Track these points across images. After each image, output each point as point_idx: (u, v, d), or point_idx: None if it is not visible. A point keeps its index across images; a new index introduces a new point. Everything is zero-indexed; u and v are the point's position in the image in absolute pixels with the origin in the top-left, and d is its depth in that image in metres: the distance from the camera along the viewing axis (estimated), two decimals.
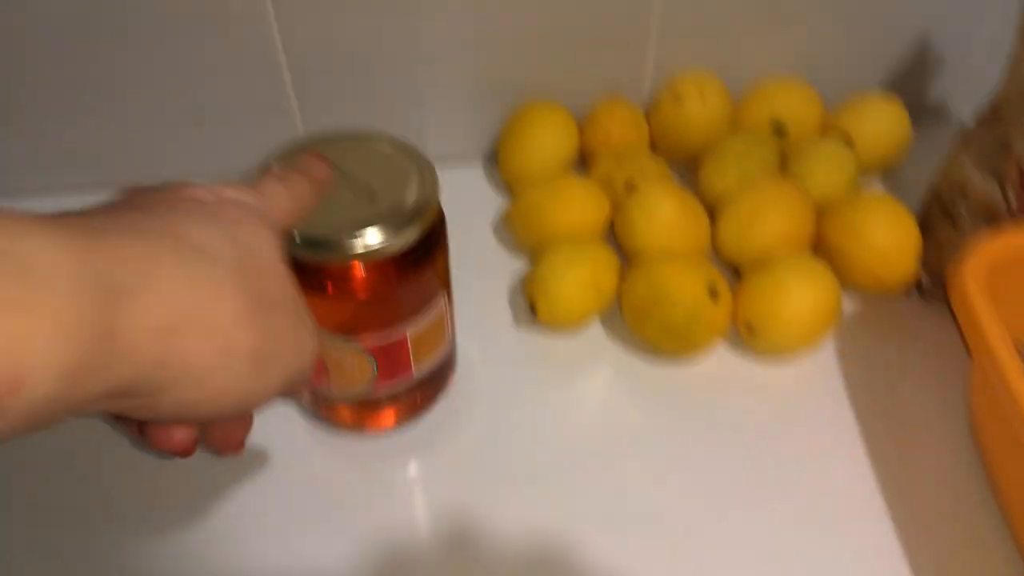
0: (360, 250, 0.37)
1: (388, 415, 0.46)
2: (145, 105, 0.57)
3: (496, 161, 0.60)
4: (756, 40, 0.58)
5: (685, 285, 0.47)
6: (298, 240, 0.36)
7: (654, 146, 0.60)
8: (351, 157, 0.40)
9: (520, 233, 0.55)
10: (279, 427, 0.47)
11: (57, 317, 0.18)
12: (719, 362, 0.50)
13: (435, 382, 0.47)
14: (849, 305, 0.53)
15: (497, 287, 0.55)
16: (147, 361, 0.21)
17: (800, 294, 0.47)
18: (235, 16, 0.53)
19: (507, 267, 0.56)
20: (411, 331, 0.42)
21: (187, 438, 0.27)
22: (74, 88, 0.55)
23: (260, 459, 0.46)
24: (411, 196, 0.38)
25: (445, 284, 0.43)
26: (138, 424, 0.28)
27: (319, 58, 0.56)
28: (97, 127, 0.58)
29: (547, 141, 0.57)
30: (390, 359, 0.42)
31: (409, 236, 0.38)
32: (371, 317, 0.41)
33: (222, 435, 0.30)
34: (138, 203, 0.25)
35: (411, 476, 0.46)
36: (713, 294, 0.47)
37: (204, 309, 0.23)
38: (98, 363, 0.20)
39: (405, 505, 0.45)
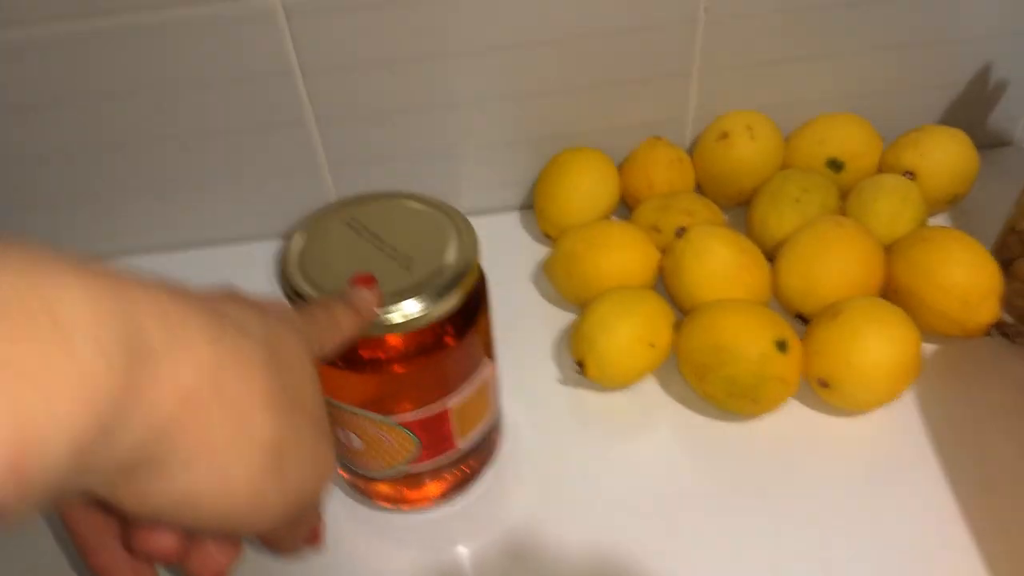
0: (398, 321, 0.34)
1: (431, 490, 0.42)
2: (173, 168, 0.55)
3: (534, 211, 0.57)
4: (804, 76, 0.55)
5: (751, 339, 0.43)
6: None
7: (700, 189, 0.56)
8: (385, 220, 0.38)
9: (562, 284, 0.51)
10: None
11: (80, 381, 0.17)
12: (788, 417, 0.46)
13: (481, 452, 0.43)
14: (925, 348, 0.48)
15: (541, 343, 0.51)
16: (164, 425, 0.19)
17: (879, 344, 0.43)
18: (261, 75, 0.50)
19: (551, 321, 0.52)
20: (454, 403, 0.38)
21: (172, 544, 0.24)
22: (103, 153, 0.53)
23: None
24: (450, 259, 0.35)
25: (488, 350, 0.40)
26: (120, 524, 0.25)
27: (348, 115, 0.53)
28: (125, 192, 0.56)
29: (587, 187, 0.54)
30: (432, 434, 0.39)
31: (449, 303, 0.35)
32: (411, 391, 0.37)
33: (205, 558, 0.25)
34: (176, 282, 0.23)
35: (459, 554, 0.42)
36: (782, 347, 0.43)
37: (230, 382, 0.21)
38: (114, 424, 0.18)
39: None
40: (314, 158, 0.56)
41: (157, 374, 0.19)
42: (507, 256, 0.56)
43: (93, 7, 0.46)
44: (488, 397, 0.41)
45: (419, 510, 0.43)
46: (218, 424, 0.21)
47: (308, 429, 0.24)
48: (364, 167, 0.56)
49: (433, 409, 0.38)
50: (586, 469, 0.45)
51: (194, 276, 0.56)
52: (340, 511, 0.44)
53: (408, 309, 0.34)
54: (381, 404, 0.37)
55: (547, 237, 0.56)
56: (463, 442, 0.40)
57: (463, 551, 0.42)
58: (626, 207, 0.57)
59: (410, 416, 0.37)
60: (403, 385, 0.37)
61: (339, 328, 0.31)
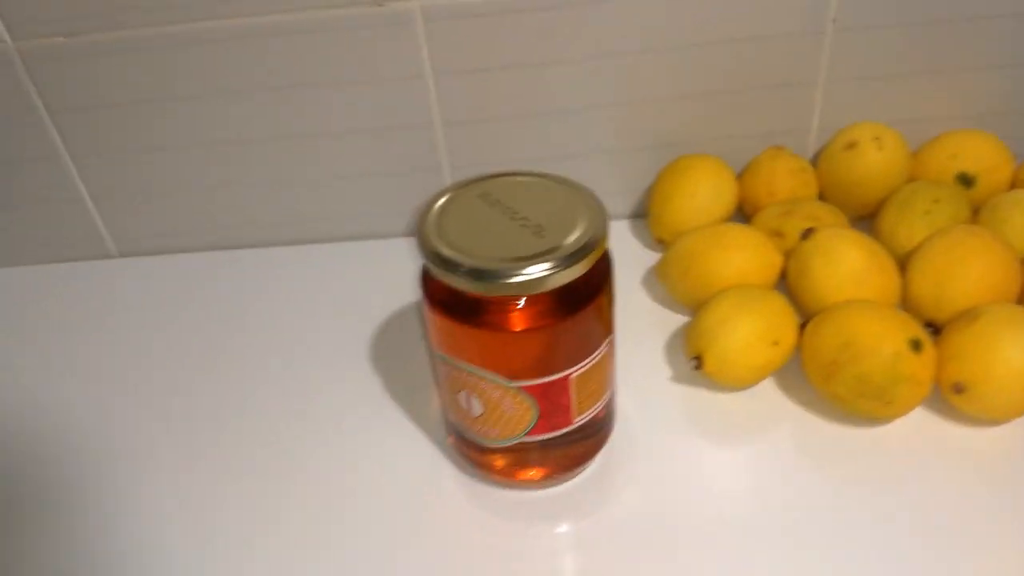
0: (526, 283, 0.34)
1: (542, 467, 0.42)
2: (299, 165, 0.57)
3: (643, 219, 0.57)
4: (931, 92, 0.54)
5: (885, 335, 0.41)
6: (463, 271, 0.34)
7: (822, 199, 0.55)
8: (517, 195, 0.39)
9: (677, 285, 0.51)
10: (425, 472, 0.44)
11: None
12: (915, 423, 0.44)
13: (594, 436, 0.42)
14: None
15: (653, 344, 0.51)
16: None
17: (1020, 349, 0.41)
18: (393, 78, 0.53)
19: (662, 323, 0.52)
20: (575, 373, 0.38)
21: None
22: (231, 149, 0.56)
23: (401, 502, 0.43)
24: (580, 230, 0.36)
25: (609, 328, 0.39)
26: None
27: (471, 118, 0.55)
28: (249, 189, 0.59)
29: (706, 194, 0.54)
30: (551, 403, 0.38)
31: (579, 269, 0.35)
32: (534, 355, 0.37)
33: None
34: None
35: (560, 536, 0.41)
36: (916, 347, 0.41)
37: None
38: None
39: (551, 568, 0.39)
40: (436, 159, 0.57)
41: None
42: (618, 262, 0.56)
43: (239, 9, 0.50)
44: (606, 375, 0.40)
45: (527, 486, 0.43)
46: None
47: None
48: (482, 169, 0.58)
49: (555, 376, 0.37)
50: (697, 466, 0.43)
51: (321, 270, 0.59)
52: (450, 484, 0.43)
53: (537, 272, 0.34)
54: (505, 366, 0.37)
55: (659, 243, 0.56)
56: (579, 417, 0.40)
57: (564, 532, 0.41)
58: (743, 216, 0.56)
59: (532, 382, 0.37)
60: (528, 349, 0.37)
61: None
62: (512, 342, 0.37)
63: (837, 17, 0.50)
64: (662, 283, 0.53)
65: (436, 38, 0.51)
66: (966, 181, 0.52)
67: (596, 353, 0.38)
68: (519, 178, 0.40)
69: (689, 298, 0.50)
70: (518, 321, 0.36)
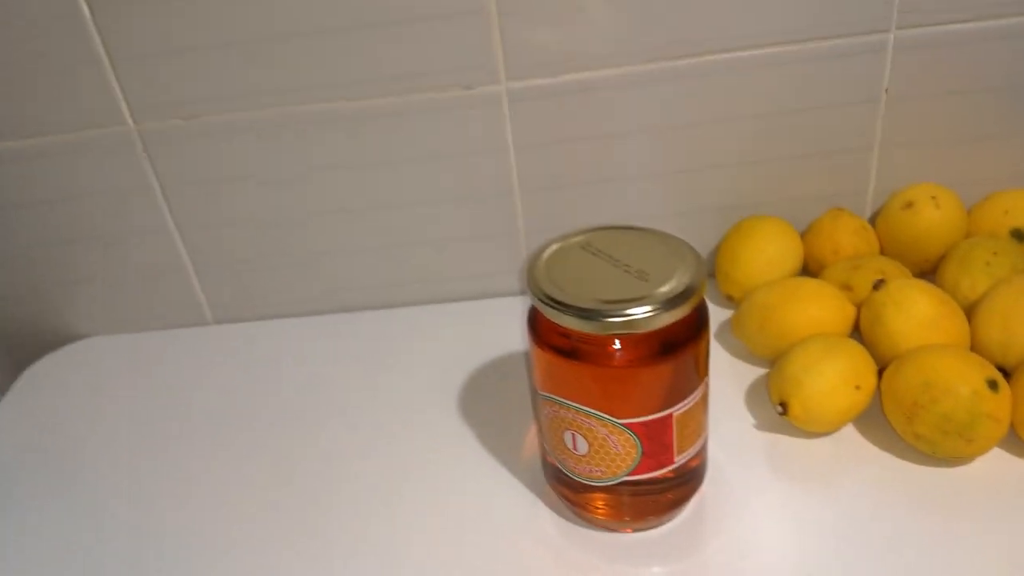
0: (634, 321, 0.37)
1: (638, 511, 0.44)
2: (389, 232, 0.62)
3: (714, 276, 0.60)
4: (981, 154, 0.58)
5: (963, 376, 0.44)
6: (575, 312, 0.37)
7: (883, 255, 0.59)
8: (618, 245, 0.42)
9: (754, 337, 0.54)
10: (522, 516, 0.46)
11: None
12: (997, 464, 0.46)
13: (689, 483, 0.45)
14: None
15: (733, 394, 0.53)
16: None
17: None
18: (479, 151, 0.57)
19: (740, 375, 0.54)
20: (677, 411, 0.41)
21: None
22: (327, 219, 0.61)
23: (499, 545, 0.45)
24: (681, 278, 0.39)
25: (705, 370, 0.42)
26: None
27: (546, 185, 0.59)
28: (343, 257, 0.63)
29: (773, 252, 0.57)
30: (654, 441, 0.41)
31: (682, 311, 0.38)
32: (640, 393, 0.40)
33: None
34: None
35: None
36: (993, 386, 0.44)
37: None
38: None
39: None
40: (514, 224, 0.61)
41: None
42: None
43: (339, 94, 0.55)
44: (703, 417, 0.43)
45: (625, 529, 0.45)
46: None
47: None
48: (557, 232, 0.61)
49: (659, 414, 0.40)
50: (787, 510, 0.45)
51: (411, 331, 0.62)
52: (547, 526, 0.46)
53: (645, 313, 0.37)
54: (611, 405, 0.40)
55: (729, 299, 0.59)
56: (680, 456, 0.42)
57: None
58: (808, 273, 0.59)
59: (638, 420, 0.40)
60: (633, 387, 0.40)
61: None
62: (619, 379, 0.39)
63: (890, 87, 0.55)
64: (737, 336, 0.55)
65: (519, 116, 0.56)
66: (1020, 236, 0.55)
67: (695, 394, 0.41)
68: (617, 231, 0.43)
69: (766, 349, 0.53)
70: (626, 360, 0.39)
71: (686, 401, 0.41)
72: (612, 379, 0.40)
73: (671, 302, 0.38)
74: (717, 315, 0.60)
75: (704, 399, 0.43)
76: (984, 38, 0.53)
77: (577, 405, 0.40)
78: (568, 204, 0.61)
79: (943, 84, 0.55)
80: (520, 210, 0.61)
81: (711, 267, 0.62)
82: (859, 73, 0.54)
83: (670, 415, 0.40)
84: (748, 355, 0.56)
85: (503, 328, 0.61)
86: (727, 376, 0.55)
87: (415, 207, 0.60)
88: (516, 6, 0.52)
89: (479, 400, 0.55)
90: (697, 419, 0.42)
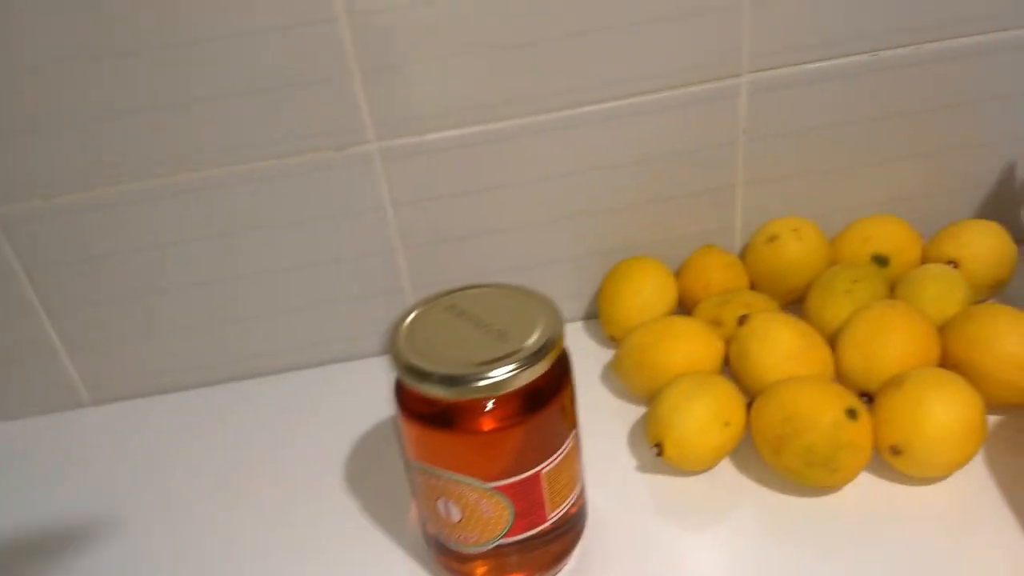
0: (493, 384, 0.37)
1: (523, 569, 0.44)
2: (270, 299, 0.61)
3: (598, 318, 0.61)
4: (841, 185, 0.61)
5: (823, 407, 0.45)
6: (435, 379, 0.37)
7: (753, 288, 0.60)
8: (481, 304, 0.42)
9: (632, 378, 0.54)
10: None
11: None
12: (865, 489, 0.47)
13: (569, 533, 0.45)
14: (992, 419, 0.50)
15: (614, 437, 0.54)
16: None
17: (945, 407, 0.45)
18: (357, 211, 0.57)
19: (622, 416, 0.55)
20: (546, 468, 0.41)
21: None
22: (201, 291, 0.60)
23: None
24: (538, 334, 0.40)
25: (573, 422, 0.43)
26: None
27: (429, 240, 0.60)
28: (220, 326, 0.62)
29: (649, 292, 0.58)
30: (525, 501, 0.41)
31: (539, 370, 0.38)
32: (505, 454, 0.40)
33: None
34: None
35: None
36: (852, 415, 0.45)
37: None
38: None
39: None
40: (399, 282, 0.61)
41: None
42: (575, 361, 0.60)
43: (204, 162, 0.54)
44: (575, 469, 0.43)
45: None
46: None
47: None
48: (442, 286, 0.62)
49: (527, 474, 0.40)
50: (671, 550, 0.46)
51: (296, 397, 0.61)
52: None
53: (503, 373, 0.37)
54: (479, 468, 0.40)
55: (612, 340, 0.60)
56: (553, 513, 0.42)
57: None
58: (684, 309, 0.61)
59: (506, 481, 0.40)
60: (500, 449, 0.40)
61: None
62: (484, 443, 0.39)
63: (746, 128, 0.57)
64: (618, 377, 0.56)
65: (394, 174, 0.56)
66: (881, 261, 0.58)
67: (563, 448, 0.41)
68: (482, 289, 0.44)
69: (645, 389, 0.54)
70: (488, 423, 0.39)
71: (554, 456, 0.41)
72: (476, 443, 0.40)
73: (530, 359, 0.38)
74: (602, 356, 0.61)
75: (575, 450, 0.43)
76: (830, 77, 0.56)
77: (445, 472, 0.40)
78: (453, 258, 0.61)
79: (797, 122, 0.57)
80: (404, 267, 0.61)
81: (595, 309, 0.63)
82: (717, 117, 0.56)
83: (538, 473, 0.41)
84: (632, 395, 0.57)
85: (391, 389, 0.60)
86: (611, 418, 0.55)
87: (296, 271, 0.60)
88: (380, 68, 0.52)
89: (366, 468, 0.54)
90: (569, 472, 0.43)
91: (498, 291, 0.43)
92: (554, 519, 0.43)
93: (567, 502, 0.43)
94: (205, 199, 0.56)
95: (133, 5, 0.48)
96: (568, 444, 0.42)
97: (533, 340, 0.39)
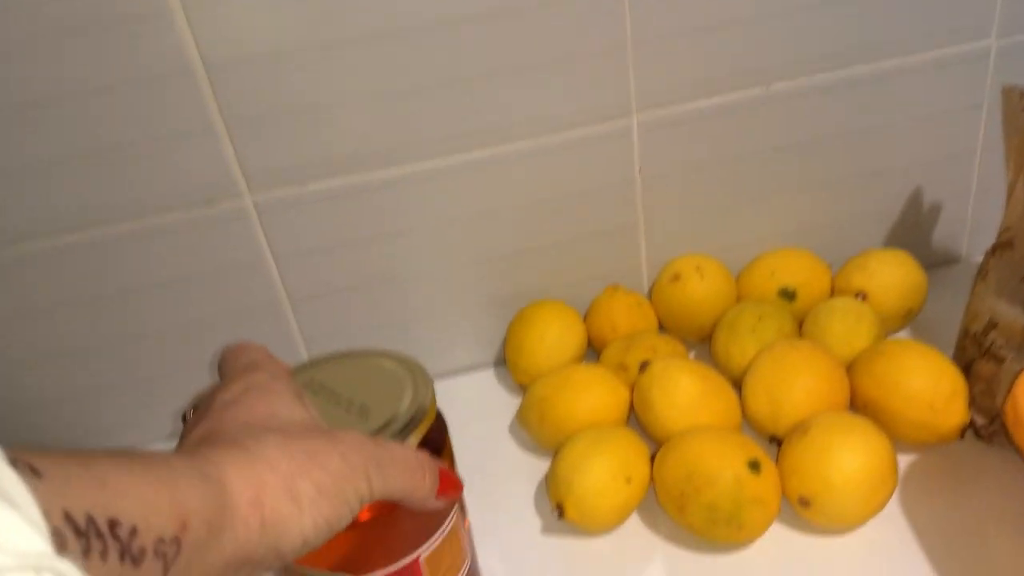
0: None
1: None
2: (147, 364, 0.57)
3: (506, 364, 0.59)
4: (745, 219, 0.59)
5: (723, 461, 0.43)
6: None
7: (662, 329, 0.58)
8: (343, 377, 0.39)
9: (537, 431, 0.52)
10: None
11: (196, 492, 0.26)
12: (777, 541, 0.45)
13: None
14: (902, 459, 0.48)
15: (522, 494, 0.51)
16: (254, 526, 0.27)
17: (850, 456, 0.43)
18: (236, 267, 0.54)
19: (531, 471, 0.52)
20: (424, 553, 0.37)
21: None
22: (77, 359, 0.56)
23: None
24: (404, 406, 0.36)
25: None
26: None
27: (320, 293, 0.56)
28: (98, 390, 0.58)
29: (554, 337, 0.56)
30: None
31: (409, 445, 0.35)
32: (377, 544, 0.37)
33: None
34: (213, 426, 0.30)
35: None
36: (755, 468, 0.43)
37: (267, 480, 0.28)
38: (224, 523, 0.26)
39: None
40: (290, 337, 0.58)
41: (231, 493, 0.27)
42: (485, 411, 0.57)
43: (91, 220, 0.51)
44: (460, 548, 0.40)
45: None
46: (280, 507, 0.28)
47: (324, 446, 0.30)
48: (338, 339, 0.58)
49: (404, 562, 0.37)
50: None
51: None
52: None
53: None
54: (352, 563, 0.36)
55: (521, 388, 0.57)
56: None
57: None
58: (594, 352, 0.58)
59: (380, 572, 0.37)
60: (370, 538, 0.36)
61: (416, 484, 0.32)
62: (352, 534, 0.36)
63: (642, 167, 0.55)
64: (524, 430, 0.53)
65: (273, 226, 0.53)
66: (788, 295, 0.56)
67: (445, 525, 0.38)
68: (341, 360, 0.40)
69: (550, 442, 0.51)
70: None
71: (434, 537, 0.38)
72: (343, 537, 0.36)
73: (397, 435, 0.35)
74: (513, 405, 0.58)
75: (457, 526, 0.40)
76: (722, 112, 0.54)
77: (317, 571, 0.37)
78: (346, 309, 0.58)
79: (692, 157, 0.55)
80: (294, 322, 0.57)
81: (502, 357, 0.60)
82: (612, 157, 0.54)
83: (416, 559, 0.37)
84: (538, 448, 0.54)
85: None
86: (518, 474, 0.52)
87: (175, 333, 0.56)
88: (244, 118, 0.49)
89: None
90: (453, 550, 0.39)
91: (359, 360, 0.40)
92: None
93: None
94: (76, 261, 0.52)
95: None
96: (450, 520, 0.38)
97: (401, 412, 0.36)
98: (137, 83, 0.46)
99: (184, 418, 0.36)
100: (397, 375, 0.38)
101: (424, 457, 0.34)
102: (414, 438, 0.35)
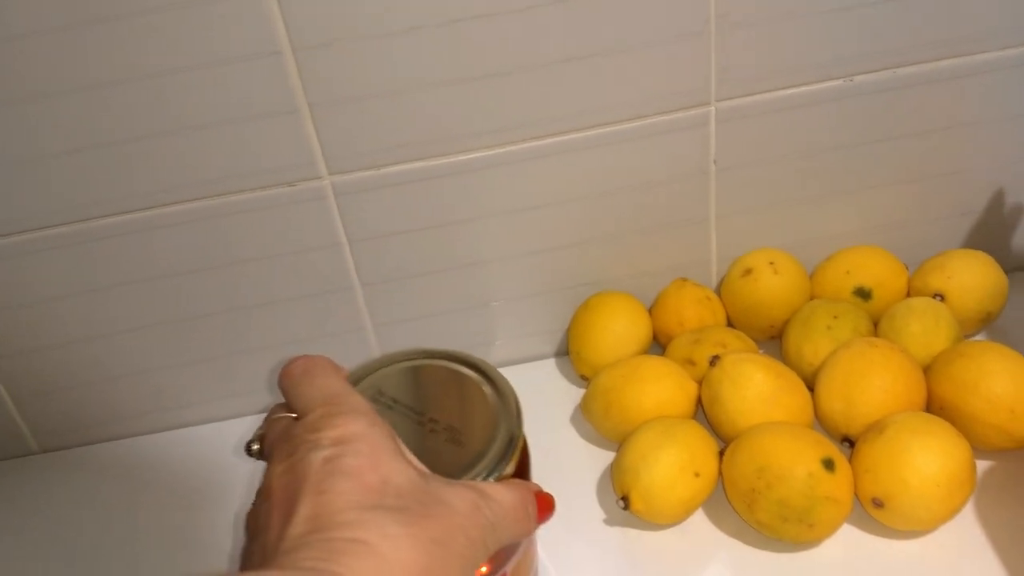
0: None
1: None
2: (217, 341, 0.58)
3: (569, 355, 0.58)
4: (820, 215, 0.58)
5: (797, 459, 0.42)
6: None
7: (730, 325, 0.57)
8: (420, 387, 0.37)
9: (601, 421, 0.51)
10: None
11: None
12: (848, 542, 0.44)
13: None
14: (982, 464, 0.46)
15: (585, 485, 0.51)
16: None
17: (930, 457, 0.42)
18: (313, 248, 0.54)
19: (593, 461, 0.52)
20: (509, 568, 0.35)
21: None
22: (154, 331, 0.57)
23: None
24: (500, 432, 0.34)
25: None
26: None
27: (390, 277, 0.57)
28: (171, 370, 0.59)
29: (620, 329, 0.55)
30: None
31: (507, 474, 0.34)
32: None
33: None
34: (318, 508, 0.26)
35: None
36: (829, 466, 0.42)
37: None
38: None
39: None
40: (360, 320, 0.59)
41: None
42: (546, 401, 0.57)
43: (160, 199, 0.52)
44: (535, 550, 0.39)
45: None
46: None
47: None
48: (406, 324, 0.59)
49: None
50: None
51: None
52: None
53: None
54: None
55: (584, 379, 0.57)
56: None
57: None
58: (659, 346, 0.58)
59: None
60: None
61: (525, 530, 0.31)
62: None
63: (717, 158, 0.54)
64: (588, 420, 0.53)
65: (349, 209, 0.54)
66: (863, 295, 0.55)
67: (516, 554, 0.36)
68: (414, 367, 0.37)
69: (615, 433, 0.51)
70: None
71: (519, 551, 0.36)
72: None
73: (497, 467, 0.33)
74: (575, 395, 0.57)
75: (530, 551, 0.38)
76: (802, 104, 0.53)
77: None
78: (415, 294, 0.58)
79: (770, 150, 0.54)
80: (364, 305, 0.58)
81: (567, 346, 0.60)
82: (687, 146, 0.54)
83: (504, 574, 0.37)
84: (601, 439, 0.53)
85: None
86: (580, 465, 0.52)
87: (251, 310, 0.57)
88: (328, 101, 0.50)
89: None
90: (529, 554, 0.38)
91: (431, 366, 0.37)
92: None
93: None
94: (156, 237, 0.53)
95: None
96: (522, 548, 0.37)
97: (496, 437, 0.33)
98: (225, 62, 0.47)
99: (248, 450, 0.32)
100: (477, 386, 0.36)
101: (527, 496, 0.31)
102: (510, 467, 0.34)
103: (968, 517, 0.44)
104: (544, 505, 0.32)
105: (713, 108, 0.53)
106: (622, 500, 0.45)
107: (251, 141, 0.50)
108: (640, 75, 0.51)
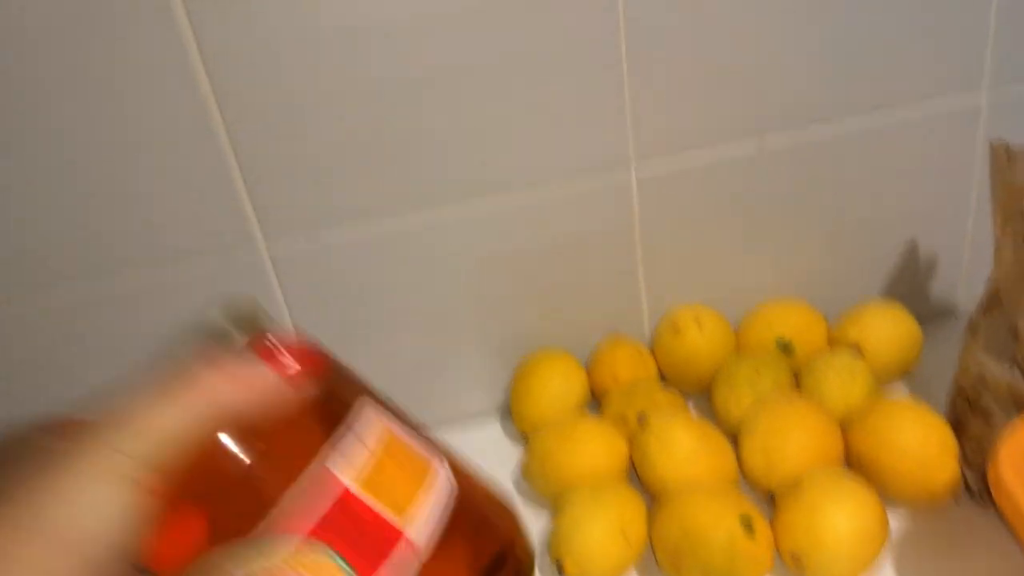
0: None
1: None
2: None
3: (510, 413, 0.60)
4: (743, 267, 0.60)
5: (717, 521, 0.44)
6: None
7: (663, 379, 0.59)
8: None
9: (539, 484, 0.53)
10: None
11: None
12: None
13: None
14: (897, 519, 0.49)
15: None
16: None
17: (841, 516, 0.44)
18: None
19: (534, 522, 0.53)
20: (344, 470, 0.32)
21: None
22: None
23: None
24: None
25: None
26: None
27: (326, 337, 0.58)
28: None
29: (557, 387, 0.57)
30: None
31: None
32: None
33: None
34: None
35: None
36: (748, 527, 0.44)
37: None
38: None
39: None
40: None
41: None
42: (489, 461, 0.57)
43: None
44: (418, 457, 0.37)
45: None
46: None
47: None
48: None
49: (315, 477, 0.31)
50: None
51: None
52: None
53: None
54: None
55: (525, 437, 0.59)
56: None
57: None
58: (597, 400, 0.59)
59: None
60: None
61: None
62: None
63: (641, 216, 0.56)
64: (528, 483, 0.55)
65: (285, 274, 0.54)
66: (785, 348, 0.57)
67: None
68: None
69: (553, 495, 0.52)
70: None
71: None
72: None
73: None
74: (520, 456, 0.58)
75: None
76: (718, 163, 0.55)
77: None
78: (350, 355, 0.59)
79: (690, 207, 0.56)
80: None
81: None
82: (611, 204, 0.56)
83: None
84: (542, 500, 0.55)
85: None
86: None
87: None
88: (259, 168, 0.50)
89: None
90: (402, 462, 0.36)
91: None
92: None
93: None
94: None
95: None
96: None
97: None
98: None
99: None
100: None
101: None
102: None
103: (885, 569, 0.46)
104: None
105: (633, 169, 0.54)
106: (557, 566, 0.47)
107: (184, 205, 0.51)
108: (561, 138, 0.53)
